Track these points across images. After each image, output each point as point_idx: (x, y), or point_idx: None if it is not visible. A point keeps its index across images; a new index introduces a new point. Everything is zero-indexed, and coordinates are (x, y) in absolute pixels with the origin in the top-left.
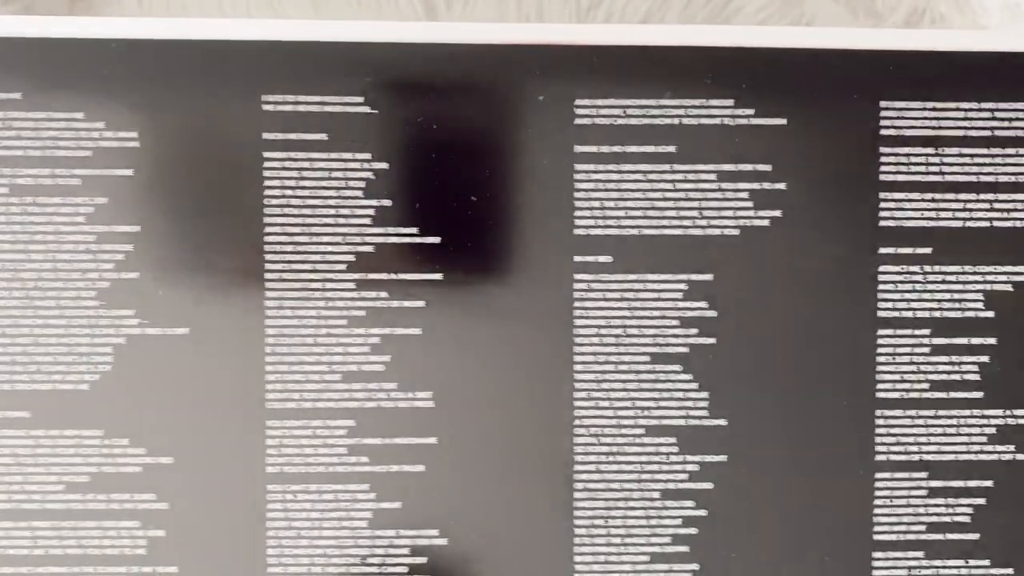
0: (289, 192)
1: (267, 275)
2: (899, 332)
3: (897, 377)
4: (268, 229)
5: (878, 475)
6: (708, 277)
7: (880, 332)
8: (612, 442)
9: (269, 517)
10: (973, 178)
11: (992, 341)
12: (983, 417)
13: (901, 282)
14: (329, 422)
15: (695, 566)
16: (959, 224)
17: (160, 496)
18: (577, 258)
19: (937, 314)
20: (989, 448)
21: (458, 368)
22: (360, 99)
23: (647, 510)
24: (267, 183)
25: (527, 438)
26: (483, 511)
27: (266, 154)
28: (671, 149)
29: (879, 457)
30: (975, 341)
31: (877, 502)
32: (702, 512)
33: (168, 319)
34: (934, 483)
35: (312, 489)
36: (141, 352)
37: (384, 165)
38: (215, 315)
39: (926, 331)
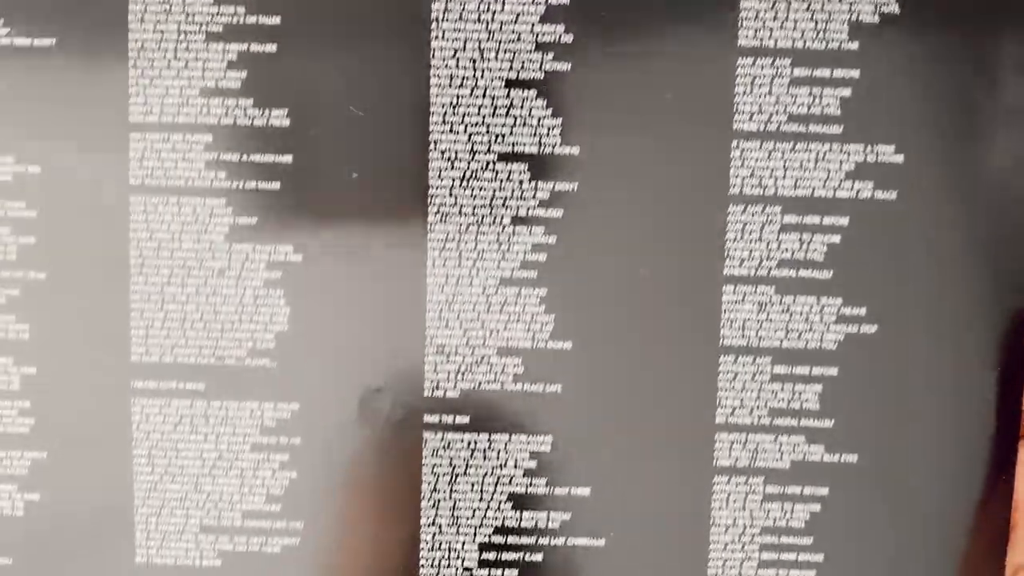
0: None
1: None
2: (759, 60)
3: (756, 108)
4: None
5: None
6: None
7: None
8: (465, 168)
9: (132, 228)
10: None
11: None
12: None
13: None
14: (188, 136)
15: (543, 291)
16: None
17: (29, 204)
18: None
19: (799, 45)
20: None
21: (315, 86)
22: None
23: (499, 235)
24: None
25: (384, 158)
26: (332, 235)
27: None
28: None
29: (732, 191)
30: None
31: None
32: (551, 239)
33: (36, 30)
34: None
35: (172, 201)
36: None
37: None
38: (80, 28)
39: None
